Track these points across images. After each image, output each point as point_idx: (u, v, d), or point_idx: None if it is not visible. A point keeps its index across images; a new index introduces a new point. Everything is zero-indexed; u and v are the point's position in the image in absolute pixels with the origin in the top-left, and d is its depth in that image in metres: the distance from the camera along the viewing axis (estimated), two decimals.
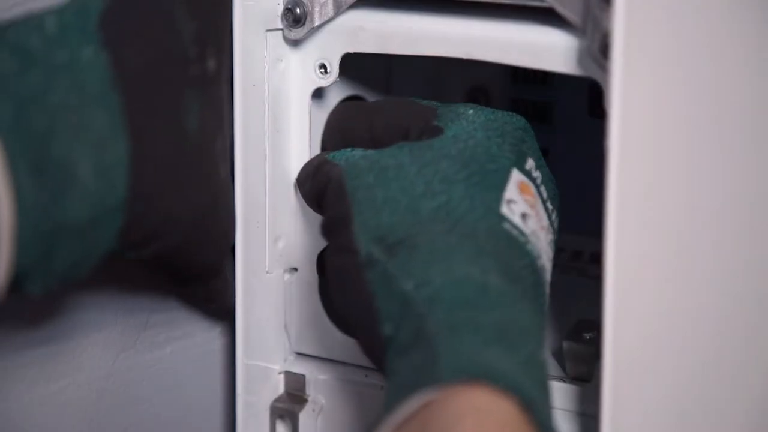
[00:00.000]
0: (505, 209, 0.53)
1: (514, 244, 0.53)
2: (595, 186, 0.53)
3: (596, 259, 0.53)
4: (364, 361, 0.65)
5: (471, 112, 0.58)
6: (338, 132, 0.64)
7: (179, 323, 0.69)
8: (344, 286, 0.53)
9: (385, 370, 0.50)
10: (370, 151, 0.58)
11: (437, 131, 0.58)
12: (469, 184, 0.54)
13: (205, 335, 0.71)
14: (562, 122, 0.58)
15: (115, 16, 0.53)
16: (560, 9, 0.55)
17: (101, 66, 0.51)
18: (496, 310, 0.48)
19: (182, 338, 0.69)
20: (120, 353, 0.66)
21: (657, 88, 0.53)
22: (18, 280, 0.50)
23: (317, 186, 0.59)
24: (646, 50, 0.52)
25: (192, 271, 0.61)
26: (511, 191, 0.54)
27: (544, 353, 0.49)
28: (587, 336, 0.59)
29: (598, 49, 0.53)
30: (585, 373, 0.59)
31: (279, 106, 0.63)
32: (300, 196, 0.63)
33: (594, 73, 0.54)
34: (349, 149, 0.60)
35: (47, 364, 0.63)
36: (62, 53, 0.51)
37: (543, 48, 0.56)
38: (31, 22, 0.51)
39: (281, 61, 0.63)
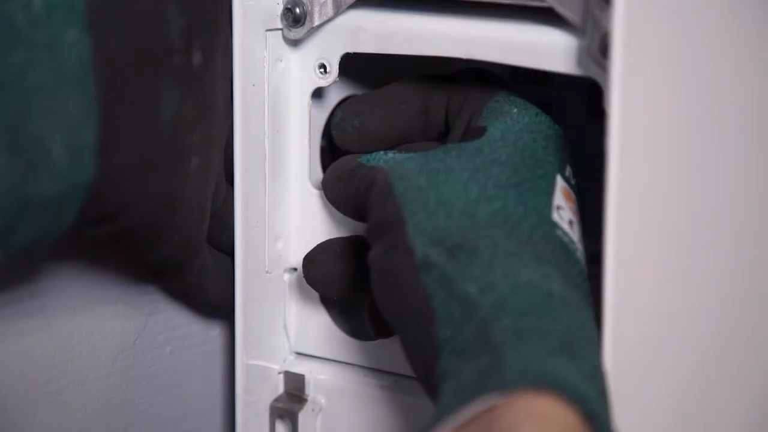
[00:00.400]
0: (555, 216, 0.53)
1: (567, 252, 0.53)
2: (595, 186, 0.53)
3: (596, 259, 0.53)
4: (365, 361, 0.65)
5: (515, 111, 0.58)
6: (421, 93, 0.61)
7: (179, 323, 0.69)
8: (395, 287, 0.53)
9: (438, 371, 0.50)
10: (412, 154, 0.57)
11: (481, 131, 0.57)
12: (521, 190, 0.54)
13: (205, 335, 0.71)
14: (562, 122, 0.58)
15: (104, 1, 0.53)
16: (560, 9, 0.55)
17: (83, 48, 0.51)
18: (562, 319, 0.48)
19: (182, 338, 0.69)
20: (120, 353, 0.66)
21: (657, 88, 0.53)
22: None
23: (354, 189, 0.58)
24: (645, 50, 0.52)
25: (156, 260, 0.61)
26: (558, 197, 0.54)
27: (603, 363, 0.49)
28: None
29: (598, 49, 0.53)
30: None
31: (279, 106, 0.63)
32: (321, 199, 0.63)
33: (594, 73, 0.54)
34: (382, 152, 0.59)
35: (47, 364, 0.63)
36: (46, 33, 0.51)
37: (543, 48, 0.56)
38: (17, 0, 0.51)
39: (281, 61, 0.63)
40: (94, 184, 0.53)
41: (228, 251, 0.64)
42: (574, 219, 0.55)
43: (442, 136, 0.61)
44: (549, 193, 0.54)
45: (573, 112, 0.72)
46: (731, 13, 0.56)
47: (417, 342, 0.52)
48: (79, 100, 0.51)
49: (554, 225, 0.53)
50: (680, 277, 0.56)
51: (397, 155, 0.58)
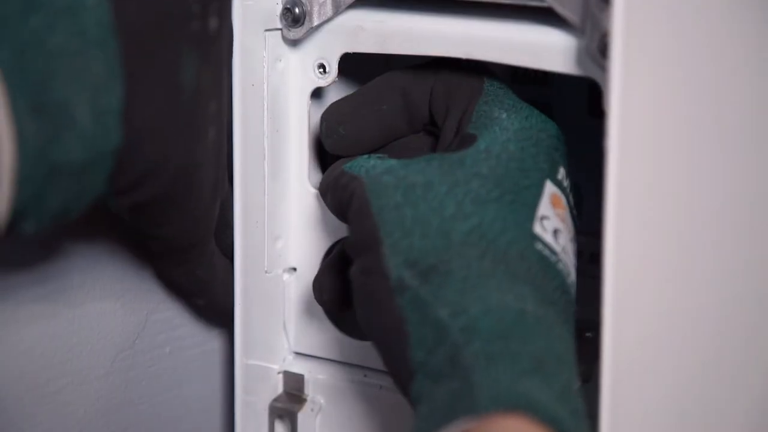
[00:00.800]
0: (537, 228, 0.53)
1: (546, 266, 0.53)
2: (595, 186, 0.53)
3: (595, 259, 0.53)
4: (364, 361, 0.65)
5: (505, 116, 0.57)
6: (399, 90, 0.61)
7: (179, 323, 0.69)
8: (372, 308, 0.53)
9: (412, 393, 0.50)
10: (392, 162, 0.57)
11: (470, 140, 0.57)
12: (502, 204, 0.53)
13: (205, 335, 0.71)
14: (561, 122, 0.58)
15: None
16: (559, 9, 0.54)
17: (102, 11, 0.51)
18: (533, 339, 0.48)
19: (182, 338, 0.69)
20: (119, 353, 0.66)
21: (656, 88, 0.53)
22: (14, 218, 0.51)
23: (338, 200, 0.58)
24: (645, 50, 0.52)
25: (169, 237, 0.60)
26: (544, 207, 0.54)
27: (577, 381, 0.49)
28: (586, 336, 0.59)
29: (597, 48, 0.53)
30: (584, 373, 0.59)
31: (278, 105, 0.63)
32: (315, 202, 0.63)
33: (593, 73, 0.54)
34: (366, 157, 0.59)
35: (47, 364, 0.63)
36: None
37: (542, 48, 0.56)
38: None
39: (280, 60, 0.63)
40: (120, 149, 0.53)
41: (229, 251, 0.64)
42: (561, 227, 0.54)
43: (434, 126, 0.61)
44: (533, 204, 0.54)
45: (572, 112, 0.72)
46: (731, 13, 0.56)
47: (393, 362, 0.52)
48: (101, 64, 0.51)
49: (534, 238, 0.53)
50: (680, 277, 0.56)
51: (378, 163, 0.58)
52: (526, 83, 0.71)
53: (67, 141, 0.50)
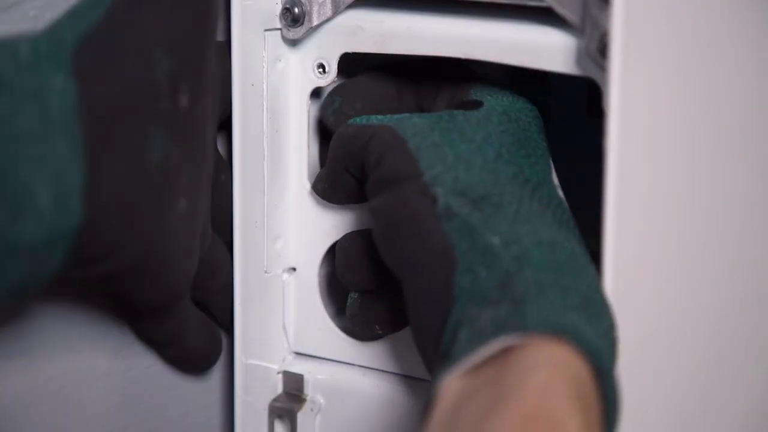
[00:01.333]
0: (560, 192, 0.55)
1: (575, 226, 0.54)
2: (594, 186, 0.53)
3: (595, 259, 0.53)
4: (364, 361, 0.65)
5: (499, 94, 0.59)
6: (361, 99, 0.62)
7: None
8: (412, 236, 0.52)
9: (451, 319, 0.49)
10: (420, 114, 0.57)
11: (476, 104, 0.58)
12: (530, 162, 0.55)
13: None
14: (561, 122, 0.58)
15: (90, 47, 0.52)
16: (558, 9, 0.54)
17: (68, 95, 0.51)
18: (582, 278, 0.49)
19: None
20: (119, 353, 0.66)
21: (656, 88, 0.53)
22: None
23: (345, 151, 0.58)
24: (644, 50, 0.52)
25: (139, 302, 0.60)
26: (555, 177, 0.56)
27: (615, 329, 0.49)
28: None
29: (597, 48, 0.53)
30: None
31: (277, 105, 0.63)
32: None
33: (592, 73, 0.54)
34: (382, 116, 0.58)
35: (47, 364, 0.63)
36: (32, 80, 0.50)
37: (542, 48, 0.56)
38: (6, 47, 0.51)
39: (280, 60, 0.63)
40: (81, 228, 0.52)
41: (214, 300, 0.64)
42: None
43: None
44: (549, 171, 0.55)
45: (572, 112, 0.72)
46: (731, 13, 0.56)
47: (431, 291, 0.51)
48: (64, 147, 0.51)
49: (561, 200, 0.54)
50: (680, 277, 0.56)
51: (399, 116, 0.58)
52: (526, 83, 0.71)
53: (26, 222, 0.50)
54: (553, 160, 0.59)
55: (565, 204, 0.54)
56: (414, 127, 0.55)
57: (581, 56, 0.54)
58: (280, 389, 0.66)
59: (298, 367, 0.66)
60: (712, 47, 0.56)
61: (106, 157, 0.53)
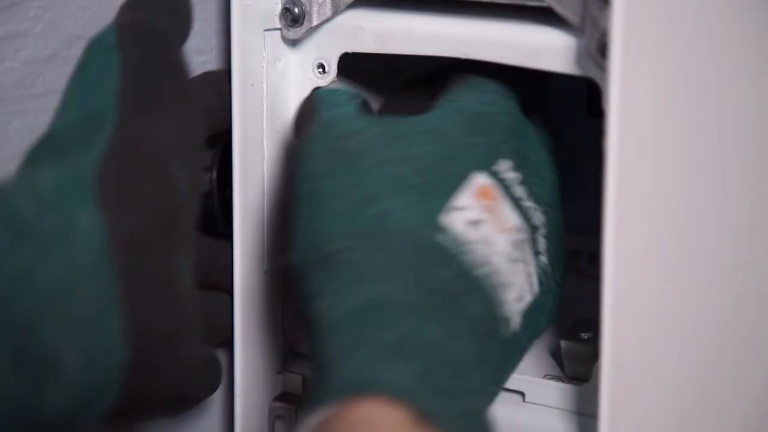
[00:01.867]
0: (445, 218, 0.52)
1: (444, 256, 0.52)
2: (594, 186, 0.53)
3: (594, 259, 0.53)
4: None
5: (468, 96, 0.58)
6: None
7: None
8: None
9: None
10: (350, 112, 0.58)
11: (426, 110, 0.58)
12: (420, 190, 0.53)
13: None
14: (561, 122, 0.58)
15: (111, 174, 0.47)
16: (558, 9, 0.54)
17: (99, 234, 0.46)
18: (397, 326, 0.48)
19: None
20: None
21: (656, 88, 0.53)
22: None
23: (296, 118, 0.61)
24: (644, 50, 0.52)
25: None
26: (464, 197, 0.53)
27: (454, 360, 0.48)
28: (585, 336, 0.59)
29: (597, 48, 0.53)
30: (583, 373, 0.59)
31: (277, 105, 0.63)
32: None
33: (592, 73, 0.54)
34: (343, 90, 0.60)
35: None
36: (56, 220, 0.45)
37: (541, 48, 0.56)
38: (24, 185, 0.46)
39: (279, 60, 0.63)
40: (120, 382, 0.47)
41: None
42: (486, 217, 0.53)
43: None
44: (448, 193, 0.53)
45: (572, 112, 0.72)
46: (731, 13, 0.56)
47: None
48: (96, 293, 0.46)
49: (438, 228, 0.52)
50: (680, 277, 0.56)
51: (342, 110, 0.58)
52: (526, 83, 0.71)
53: (53, 389, 0.45)
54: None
55: (441, 235, 0.52)
56: (322, 138, 0.57)
57: (581, 56, 0.54)
58: (280, 389, 0.66)
59: (297, 367, 0.66)
60: (712, 47, 0.56)
61: (140, 298, 0.47)
